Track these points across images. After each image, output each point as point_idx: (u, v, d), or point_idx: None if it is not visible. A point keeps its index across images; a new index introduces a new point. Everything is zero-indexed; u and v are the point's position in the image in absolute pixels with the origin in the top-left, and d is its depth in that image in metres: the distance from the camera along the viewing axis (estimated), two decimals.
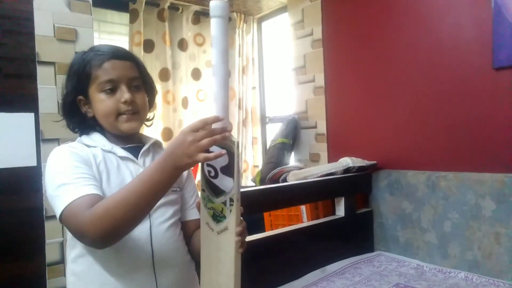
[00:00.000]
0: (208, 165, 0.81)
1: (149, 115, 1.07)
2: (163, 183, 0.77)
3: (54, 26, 1.48)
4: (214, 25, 0.77)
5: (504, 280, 1.54)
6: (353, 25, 2.25)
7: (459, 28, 1.77)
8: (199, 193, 0.89)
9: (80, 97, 0.94)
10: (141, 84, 0.97)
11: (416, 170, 1.90)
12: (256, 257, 1.54)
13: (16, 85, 1.39)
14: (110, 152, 0.93)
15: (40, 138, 1.43)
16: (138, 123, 0.96)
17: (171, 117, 2.72)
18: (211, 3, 0.75)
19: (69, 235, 0.90)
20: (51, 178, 0.85)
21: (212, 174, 0.81)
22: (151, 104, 1.05)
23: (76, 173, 0.84)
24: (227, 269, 0.84)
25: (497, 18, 1.61)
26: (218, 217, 0.82)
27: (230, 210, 0.81)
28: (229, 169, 0.79)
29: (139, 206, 0.77)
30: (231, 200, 0.81)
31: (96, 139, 0.95)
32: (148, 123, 1.09)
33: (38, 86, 1.43)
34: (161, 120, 2.69)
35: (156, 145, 1.05)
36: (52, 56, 1.47)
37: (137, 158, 0.96)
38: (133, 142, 0.99)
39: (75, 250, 0.91)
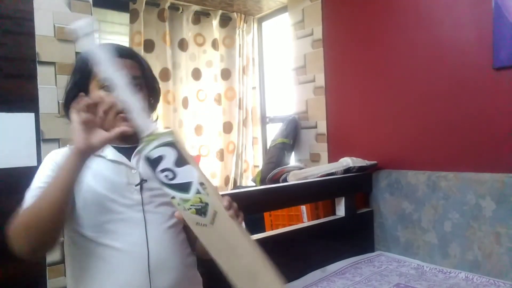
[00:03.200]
0: (162, 170, 0.79)
1: (152, 117, 1.04)
2: (68, 172, 0.77)
3: (54, 26, 1.48)
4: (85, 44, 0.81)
5: (505, 280, 1.54)
6: (353, 25, 2.25)
7: (460, 28, 1.77)
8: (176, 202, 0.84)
9: (82, 93, 0.94)
10: (143, 84, 0.95)
11: (416, 170, 1.90)
12: None
13: (16, 85, 1.39)
14: (100, 156, 0.92)
15: (40, 138, 1.42)
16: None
17: (171, 117, 2.72)
18: (77, 25, 0.78)
19: (65, 230, 0.92)
20: (36, 175, 0.89)
21: (171, 176, 0.79)
22: (154, 106, 1.04)
23: (44, 181, 0.85)
24: (243, 248, 0.82)
25: (498, 18, 1.61)
26: (201, 209, 0.80)
27: (207, 193, 0.79)
28: (181, 159, 0.78)
29: (52, 208, 0.76)
30: (201, 184, 0.79)
31: None
32: None
33: (38, 86, 1.43)
34: (161, 120, 2.69)
35: None
36: (52, 56, 1.47)
37: (130, 159, 0.94)
38: (132, 141, 0.97)
39: (72, 247, 0.92)
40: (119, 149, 0.95)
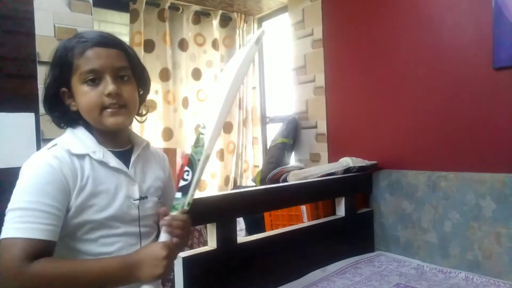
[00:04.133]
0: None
1: (142, 110, 0.98)
2: (113, 284, 0.75)
3: (54, 26, 1.48)
4: (252, 52, 0.83)
5: (505, 280, 1.54)
6: (353, 25, 2.25)
7: (460, 28, 1.77)
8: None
9: (64, 89, 0.85)
10: (131, 75, 0.87)
11: (416, 170, 1.90)
12: (256, 257, 1.54)
13: (17, 85, 1.39)
14: (101, 161, 0.84)
15: (40, 138, 1.43)
16: (125, 117, 0.86)
17: (171, 117, 2.72)
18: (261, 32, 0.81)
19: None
20: (15, 191, 0.76)
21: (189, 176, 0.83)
22: (143, 98, 0.96)
23: (39, 201, 0.74)
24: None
25: (498, 18, 1.61)
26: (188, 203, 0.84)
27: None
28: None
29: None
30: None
31: (84, 139, 0.85)
32: (140, 118, 0.99)
33: (39, 86, 1.43)
34: (162, 120, 2.70)
35: (147, 148, 0.97)
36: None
37: (128, 167, 0.88)
38: (122, 142, 0.91)
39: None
40: (116, 154, 0.88)
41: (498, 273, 1.57)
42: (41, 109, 1.42)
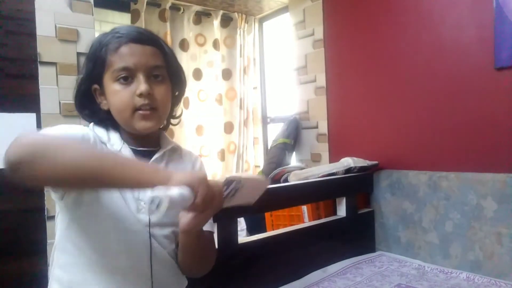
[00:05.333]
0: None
1: (177, 111, 0.95)
2: (132, 180, 0.63)
3: (55, 26, 1.49)
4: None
5: (506, 280, 1.53)
6: (354, 25, 2.25)
7: (461, 28, 1.77)
8: None
9: (95, 86, 0.82)
10: (165, 75, 0.83)
11: (417, 170, 1.90)
12: (257, 257, 1.54)
13: (18, 85, 1.39)
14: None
15: None
16: (156, 122, 0.82)
17: None
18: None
19: (57, 236, 0.80)
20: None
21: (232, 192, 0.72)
22: (178, 99, 0.92)
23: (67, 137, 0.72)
24: None
25: (499, 18, 1.60)
26: None
27: None
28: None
29: (80, 173, 0.61)
30: None
31: (110, 134, 0.83)
32: (174, 121, 0.96)
33: (40, 86, 1.43)
34: None
35: (174, 151, 0.92)
36: (54, 57, 1.48)
37: None
38: (149, 144, 0.87)
39: (65, 256, 0.80)
40: (136, 152, 0.84)
41: (499, 274, 1.57)
42: (43, 109, 1.43)
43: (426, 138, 1.91)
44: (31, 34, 1.42)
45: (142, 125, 0.80)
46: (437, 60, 1.85)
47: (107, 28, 2.64)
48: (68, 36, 1.51)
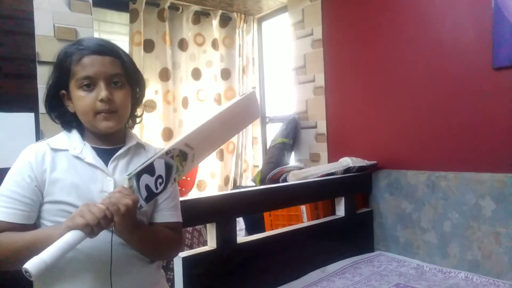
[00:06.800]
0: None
1: (138, 112, 1.03)
2: (49, 237, 0.77)
3: (54, 26, 1.48)
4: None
5: (504, 280, 1.54)
6: (353, 25, 2.25)
7: (459, 28, 1.77)
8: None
9: (63, 91, 0.91)
10: (124, 81, 0.92)
11: (416, 170, 1.90)
12: (256, 257, 1.54)
13: (16, 85, 1.39)
14: (77, 157, 0.89)
15: (40, 138, 1.43)
16: (117, 122, 0.91)
17: (171, 117, 2.72)
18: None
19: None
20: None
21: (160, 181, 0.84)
22: (139, 100, 1.01)
23: (11, 190, 0.85)
24: None
25: (497, 18, 1.61)
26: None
27: None
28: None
29: (23, 254, 0.77)
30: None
31: (72, 137, 0.92)
32: (138, 119, 1.05)
33: (38, 86, 1.43)
34: (161, 120, 2.70)
35: (139, 147, 1.00)
36: (52, 56, 1.46)
37: (108, 164, 0.91)
38: (114, 142, 0.95)
39: None
40: (98, 151, 0.92)
41: (497, 273, 1.57)
42: (41, 109, 1.43)
43: (424, 138, 1.92)
44: (30, 34, 1.42)
45: (104, 125, 0.89)
46: (436, 60, 1.86)
47: (106, 27, 2.66)
48: (66, 35, 1.51)
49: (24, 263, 0.70)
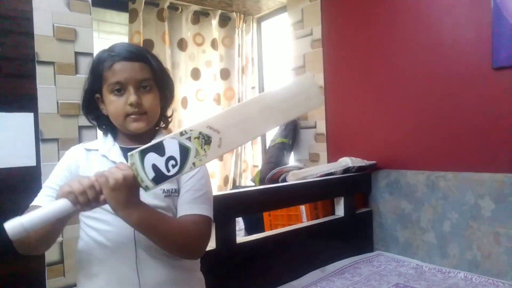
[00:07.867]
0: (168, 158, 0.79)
1: (168, 112, 1.09)
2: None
3: (53, 25, 1.48)
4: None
5: (504, 280, 1.54)
6: (352, 25, 2.25)
7: (459, 28, 1.77)
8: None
9: (97, 95, 0.99)
10: (153, 85, 0.98)
11: (415, 170, 1.90)
12: (256, 257, 1.54)
13: (16, 85, 1.38)
14: (105, 156, 0.97)
15: (39, 138, 1.42)
16: (146, 123, 0.97)
17: None
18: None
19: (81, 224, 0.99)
20: None
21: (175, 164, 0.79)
22: (169, 102, 1.07)
23: (50, 181, 0.96)
24: None
25: (497, 18, 1.61)
26: None
27: None
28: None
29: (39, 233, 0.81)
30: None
31: (106, 140, 1.01)
32: (168, 120, 1.10)
33: (38, 86, 1.43)
34: None
35: None
36: (52, 56, 1.47)
37: None
38: (144, 142, 0.94)
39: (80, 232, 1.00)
40: (126, 150, 0.94)
41: (497, 273, 1.58)
42: (40, 109, 1.43)
43: (424, 137, 1.92)
44: (29, 34, 1.42)
45: (134, 126, 0.96)
46: (435, 60, 1.86)
47: (105, 27, 2.66)
48: (66, 35, 1.51)
49: (48, 242, 0.80)
